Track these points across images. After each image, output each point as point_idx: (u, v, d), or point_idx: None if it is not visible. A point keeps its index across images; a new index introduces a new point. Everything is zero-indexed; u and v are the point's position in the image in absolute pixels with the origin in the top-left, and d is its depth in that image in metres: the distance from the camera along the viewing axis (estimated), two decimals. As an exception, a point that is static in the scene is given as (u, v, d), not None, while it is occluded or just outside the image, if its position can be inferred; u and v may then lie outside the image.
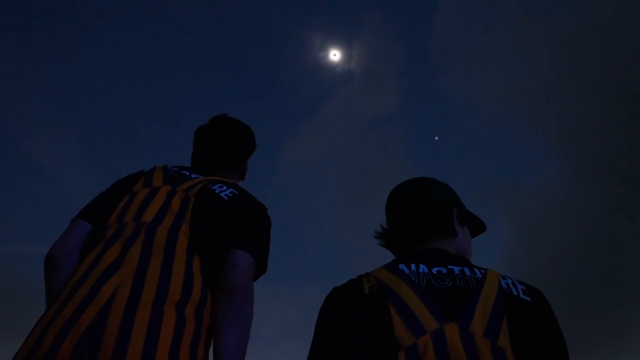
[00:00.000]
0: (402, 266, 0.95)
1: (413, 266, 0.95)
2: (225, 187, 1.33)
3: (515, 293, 0.88)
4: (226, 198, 1.28)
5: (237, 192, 1.33)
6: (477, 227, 1.21)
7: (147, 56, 17.55)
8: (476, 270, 0.93)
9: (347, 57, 17.98)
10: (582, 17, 15.59)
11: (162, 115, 18.37)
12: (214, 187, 1.31)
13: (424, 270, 0.93)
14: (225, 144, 1.53)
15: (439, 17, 18.10)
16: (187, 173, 1.36)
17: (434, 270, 0.93)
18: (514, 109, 18.77)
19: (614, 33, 15.07)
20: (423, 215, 1.09)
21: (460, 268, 0.93)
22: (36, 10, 14.38)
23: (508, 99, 18.09)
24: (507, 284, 0.90)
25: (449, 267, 0.94)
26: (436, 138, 18.85)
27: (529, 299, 0.88)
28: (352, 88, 18.97)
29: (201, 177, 1.34)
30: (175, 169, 1.39)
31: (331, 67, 17.35)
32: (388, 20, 18.05)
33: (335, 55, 16.81)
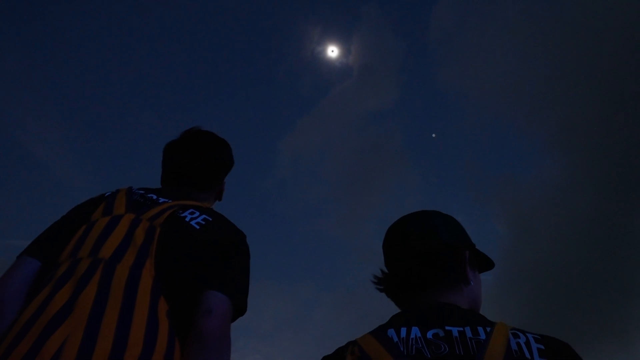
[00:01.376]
0: (391, 332, 0.82)
1: (404, 331, 0.81)
2: (197, 214, 1.17)
3: (528, 356, 0.72)
4: (198, 227, 1.12)
5: (211, 219, 1.17)
6: (483, 265, 1.06)
7: (143, 50, 17.34)
8: (480, 329, 0.78)
9: (345, 51, 17.83)
10: (580, 14, 15.45)
11: (159, 109, 18.19)
12: (184, 214, 1.15)
13: (415, 335, 0.80)
14: (198, 161, 1.36)
15: (437, 11, 17.95)
16: (155, 197, 1.20)
17: (429, 334, 0.79)
18: (511, 105, 18.70)
19: (612, 30, 14.96)
20: (429, 261, 0.94)
21: (461, 329, 0.78)
22: (32, 4, 14.14)
23: (505, 94, 18.02)
24: (518, 344, 0.74)
25: (447, 328, 0.79)
26: (433, 135, 18.76)
27: None
28: (350, 82, 18.82)
29: (170, 201, 1.19)
30: (142, 192, 1.23)
31: (329, 62, 17.24)
32: (386, 14, 17.87)
33: (333, 51, 16.65)
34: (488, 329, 0.77)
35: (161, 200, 1.19)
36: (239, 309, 1.06)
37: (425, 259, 0.94)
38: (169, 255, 1.04)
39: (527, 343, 0.74)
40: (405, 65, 19.06)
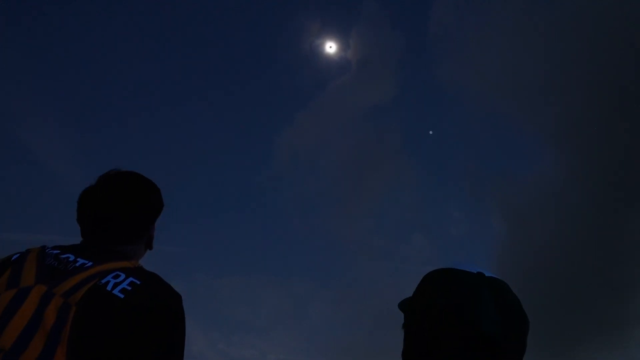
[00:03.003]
0: None
1: None
2: (122, 277, 0.99)
3: None
4: (122, 295, 0.95)
5: (139, 282, 1.00)
6: None
7: (140, 44, 17.26)
8: None
9: (344, 45, 17.75)
10: (579, 11, 15.45)
11: (155, 104, 18.15)
12: (106, 280, 0.97)
13: None
14: (121, 209, 1.18)
15: (437, 7, 17.90)
16: (72, 258, 1.03)
17: None
18: (509, 102, 18.66)
19: (610, 27, 14.96)
20: None
21: None
22: (29, 1, 14.09)
23: (503, 91, 17.98)
24: None
25: None
26: (430, 132, 18.77)
27: None
28: (349, 77, 18.73)
29: (90, 264, 1.01)
30: (56, 252, 1.05)
31: (327, 56, 17.14)
32: (386, 9, 17.79)
33: (331, 47, 16.61)
34: None
35: (79, 262, 1.02)
36: None
37: None
38: (85, 338, 0.88)
39: None
40: (403, 60, 18.99)
